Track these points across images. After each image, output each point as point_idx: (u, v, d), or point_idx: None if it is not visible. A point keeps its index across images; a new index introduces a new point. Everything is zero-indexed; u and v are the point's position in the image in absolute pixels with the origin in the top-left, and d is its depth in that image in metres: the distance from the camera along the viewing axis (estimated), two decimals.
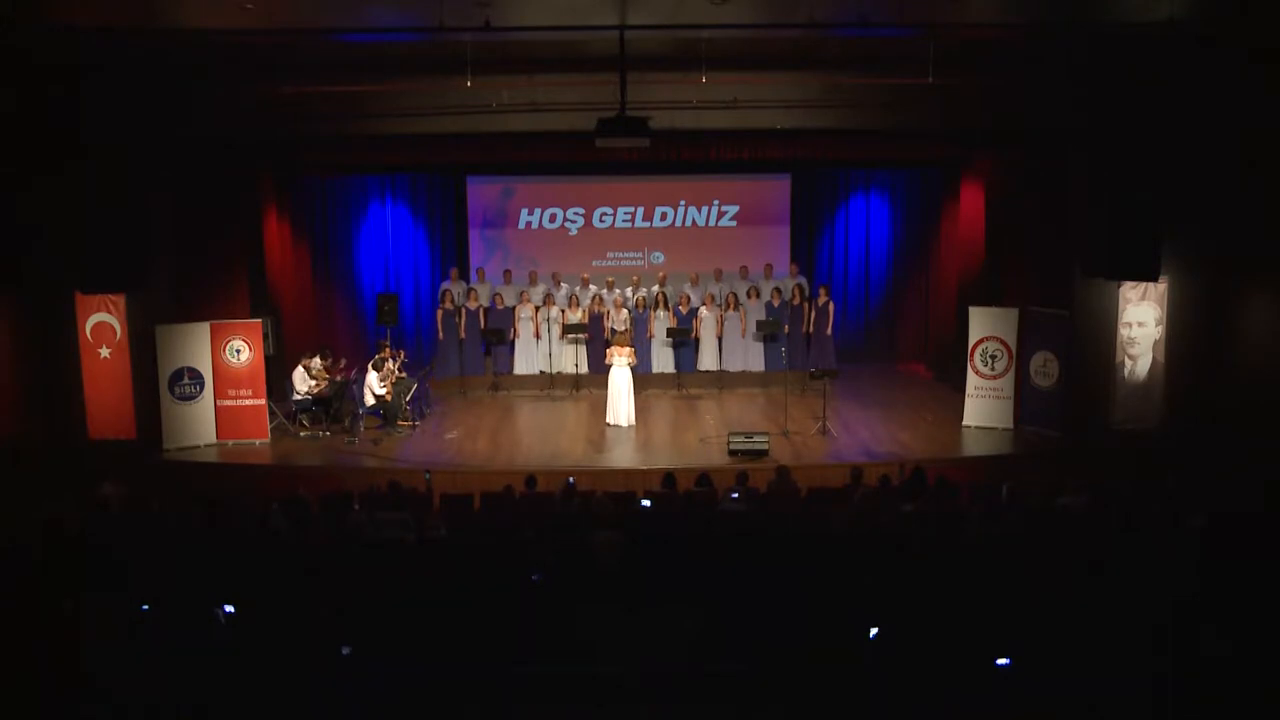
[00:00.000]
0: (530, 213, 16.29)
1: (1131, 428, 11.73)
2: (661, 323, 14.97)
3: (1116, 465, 10.67)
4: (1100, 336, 11.97)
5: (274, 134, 12.38)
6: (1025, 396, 12.47)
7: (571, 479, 9.49)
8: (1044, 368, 12.31)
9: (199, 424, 12.17)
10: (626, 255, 16.42)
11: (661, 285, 15.43)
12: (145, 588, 6.22)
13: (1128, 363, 11.82)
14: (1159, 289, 11.55)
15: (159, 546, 7.30)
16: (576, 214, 16.32)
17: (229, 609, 5.97)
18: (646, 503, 9.08)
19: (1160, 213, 10.93)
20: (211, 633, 5.80)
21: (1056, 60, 11.19)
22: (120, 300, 11.82)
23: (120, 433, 11.85)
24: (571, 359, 14.89)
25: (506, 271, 15.87)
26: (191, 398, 12.13)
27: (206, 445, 12.16)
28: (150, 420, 11.93)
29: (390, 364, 12.91)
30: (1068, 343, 12.12)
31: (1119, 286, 11.72)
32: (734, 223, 16.33)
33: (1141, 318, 11.71)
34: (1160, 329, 11.65)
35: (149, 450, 11.81)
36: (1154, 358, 11.72)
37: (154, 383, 11.90)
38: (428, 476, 9.73)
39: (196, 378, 12.15)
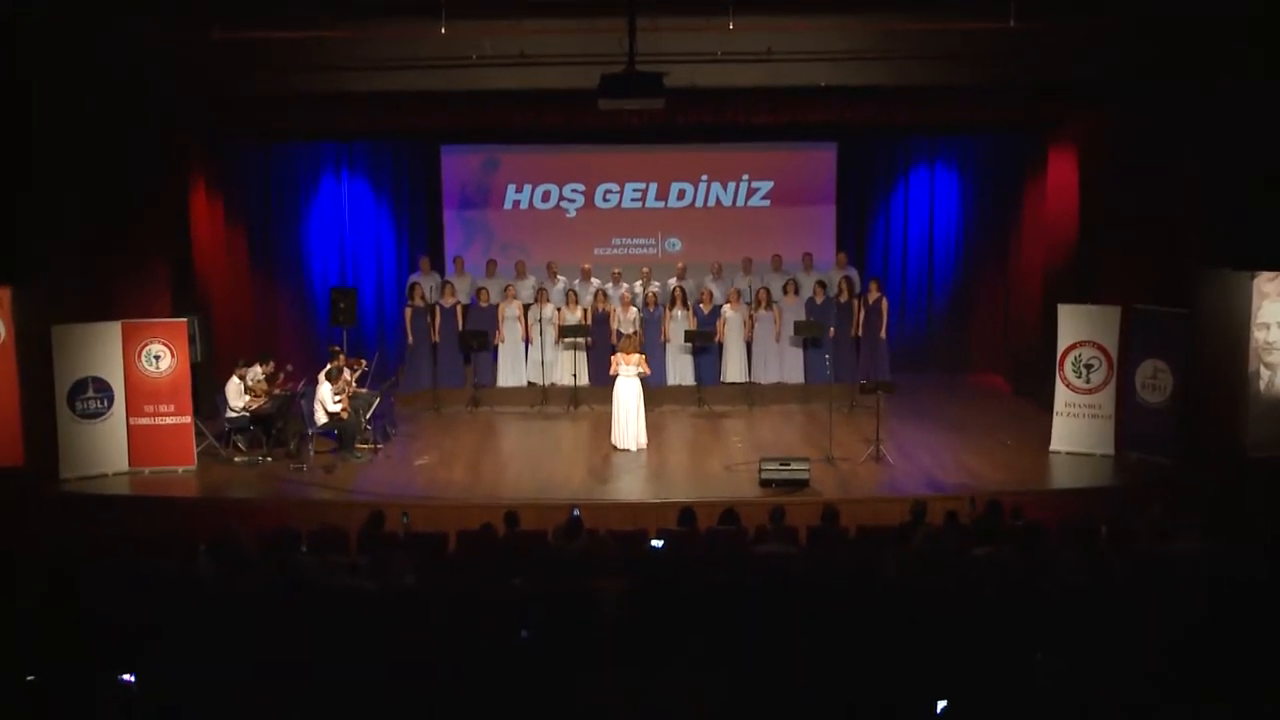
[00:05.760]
0: (519, 190, 16.40)
1: (1269, 454, 11.61)
2: (678, 324, 14.98)
3: (1247, 502, 10.55)
4: (1228, 341, 11.86)
5: (204, 90, 12.41)
6: (1129, 415, 12.43)
7: (577, 510, 9.47)
8: (1154, 379, 12.24)
9: (107, 447, 12.17)
10: (636, 242, 16.52)
11: (679, 279, 15.45)
12: (30, 651, 6.19)
13: (1264, 373, 11.74)
14: None
15: (50, 600, 7.25)
16: (575, 191, 16.41)
17: (131, 678, 5.93)
18: (658, 543, 9.09)
19: None
20: (114, 706, 5.76)
21: None
22: (6, 293, 11.77)
23: (5, 459, 11.76)
24: (569, 368, 14.90)
25: (490, 261, 15.93)
26: (97, 415, 12.13)
27: (116, 474, 12.16)
28: (44, 443, 11.85)
29: (346, 374, 12.91)
30: (1185, 349, 12.05)
31: (1252, 278, 11.63)
32: (767, 202, 16.41)
33: None
34: None
35: (42, 480, 11.74)
36: None
37: (49, 396, 11.87)
38: (405, 519, 9.70)
39: (104, 390, 12.14)
